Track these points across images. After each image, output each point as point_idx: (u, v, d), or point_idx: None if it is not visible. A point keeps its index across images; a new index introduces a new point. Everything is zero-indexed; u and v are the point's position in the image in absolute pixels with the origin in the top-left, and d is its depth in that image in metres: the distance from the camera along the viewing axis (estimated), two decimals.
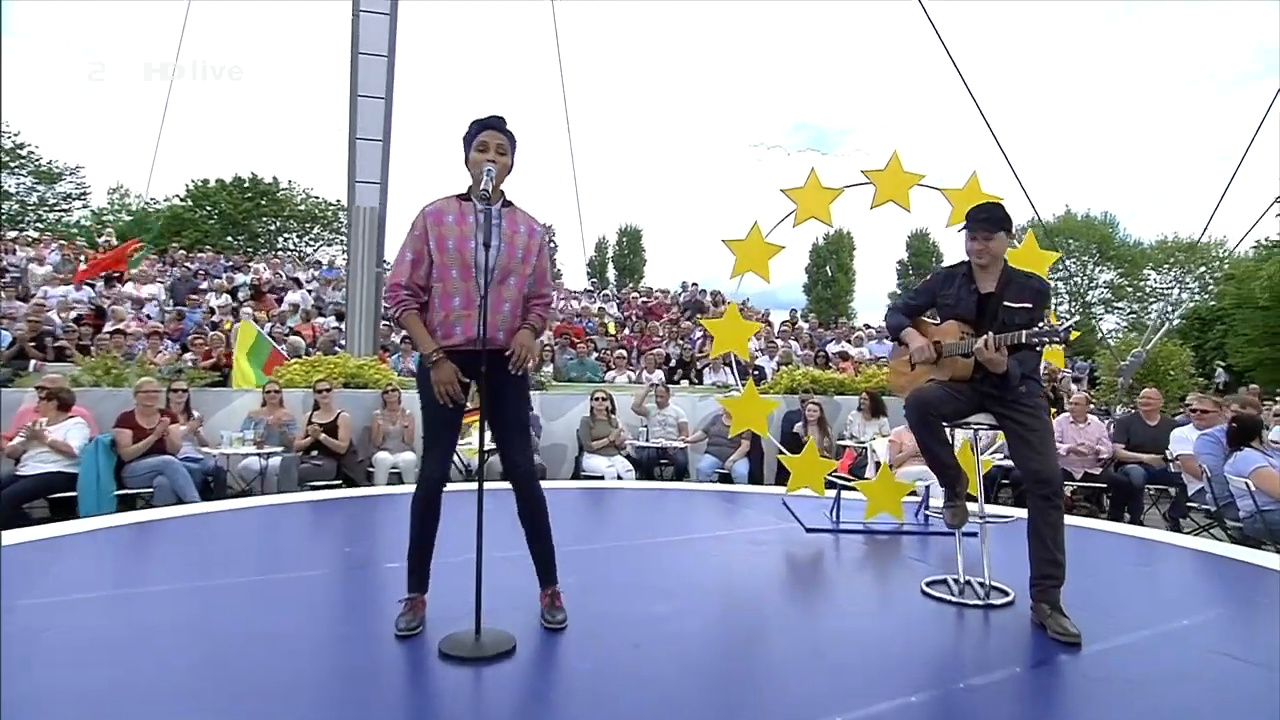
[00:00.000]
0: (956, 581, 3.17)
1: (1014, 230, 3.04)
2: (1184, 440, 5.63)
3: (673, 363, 10.80)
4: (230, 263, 15.29)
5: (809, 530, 4.33)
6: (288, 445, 6.03)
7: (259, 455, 5.71)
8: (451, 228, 2.45)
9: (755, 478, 7.24)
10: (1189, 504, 5.48)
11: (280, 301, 12.92)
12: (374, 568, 3.41)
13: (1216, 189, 8.87)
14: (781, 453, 4.78)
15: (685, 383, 9.89)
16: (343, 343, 9.04)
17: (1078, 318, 33.76)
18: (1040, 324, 2.82)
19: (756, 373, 10.19)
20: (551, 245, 25.69)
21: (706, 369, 10.16)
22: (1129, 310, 34.10)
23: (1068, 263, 34.26)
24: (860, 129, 58.87)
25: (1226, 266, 28.30)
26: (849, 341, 12.70)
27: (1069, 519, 2.81)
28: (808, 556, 3.87)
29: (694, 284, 16.52)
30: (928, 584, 3.23)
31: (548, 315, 2.74)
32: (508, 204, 2.58)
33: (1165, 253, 33.47)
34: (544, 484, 2.68)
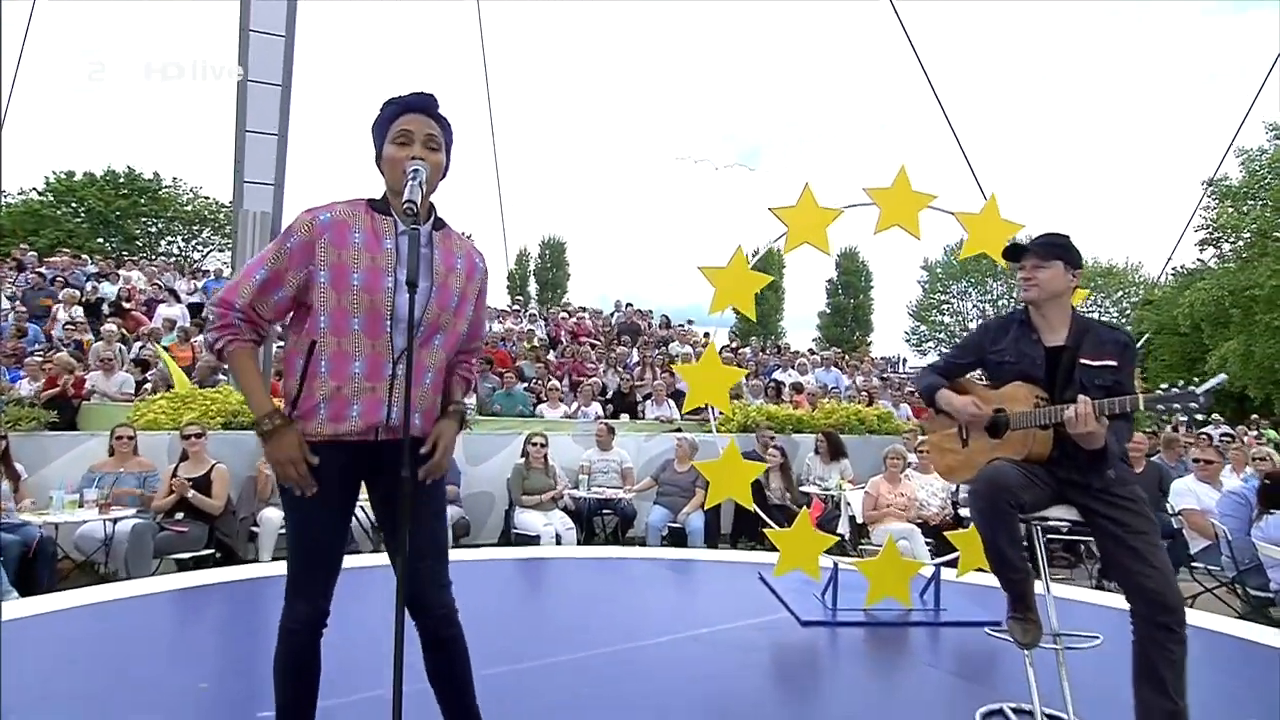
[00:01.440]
0: (1019, 713, 2.59)
1: (1080, 267, 2.51)
2: (1187, 493, 5.33)
3: (609, 393, 10.09)
4: (96, 269, 13.65)
5: (804, 623, 3.70)
6: (145, 506, 5.02)
7: (102, 520, 4.66)
8: (358, 253, 1.75)
9: (711, 532, 6.61)
10: (1192, 563, 5.18)
11: (152, 315, 11.54)
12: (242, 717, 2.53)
13: (1133, 213, 8.89)
14: (764, 523, 4.15)
15: (624, 416, 9.19)
16: (226, 371, 7.93)
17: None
18: (1133, 387, 2.29)
19: (705, 405, 9.60)
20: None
21: (649, 401, 9.50)
22: None
23: (994, 284, 35.60)
24: (783, 142, 60.07)
25: (1143, 292, 29.89)
26: (794, 368, 12.32)
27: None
28: (813, 667, 3.24)
29: (628, 304, 15.87)
30: (985, 717, 2.63)
31: (475, 380, 2.12)
32: (440, 224, 1.89)
33: (1084, 277, 35.19)
34: (466, 551, 1.98)
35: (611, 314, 15.68)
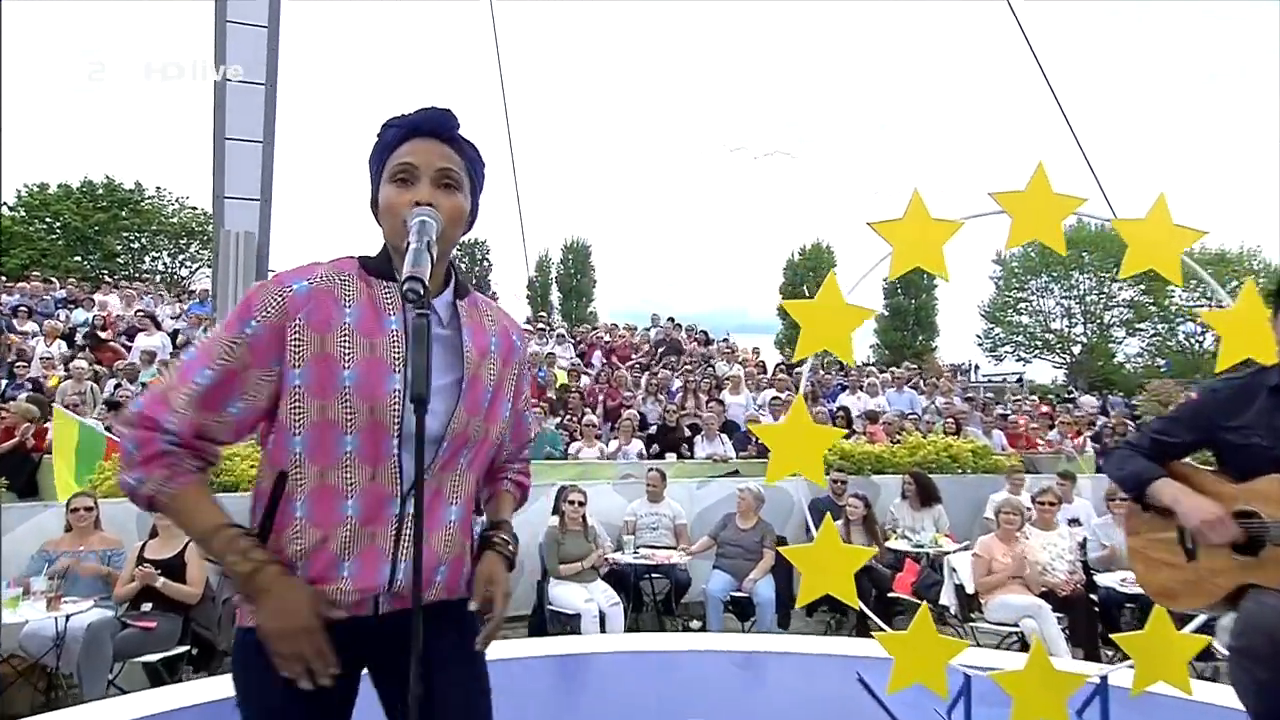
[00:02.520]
0: None
1: None
2: None
3: (651, 428, 9.63)
4: (64, 294, 13.53)
5: None
6: (110, 591, 4.67)
7: (53, 616, 4.30)
8: (350, 340, 1.35)
9: (783, 602, 6.09)
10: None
11: (130, 347, 11.33)
12: None
13: (1249, 194, 8.24)
14: (873, 624, 3.62)
15: (671, 456, 8.72)
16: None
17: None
18: None
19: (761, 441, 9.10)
20: (494, 294, 24.34)
21: (700, 437, 9.00)
22: (1152, 332, 34.32)
23: (1081, 278, 34.51)
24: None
25: (1264, 279, 28.67)
26: (863, 390, 11.74)
27: None
28: None
29: (669, 319, 15.41)
30: None
31: (528, 489, 1.75)
32: (462, 290, 1.50)
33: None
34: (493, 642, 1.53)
35: (648, 329, 15.23)
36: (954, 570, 5.49)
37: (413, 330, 1.20)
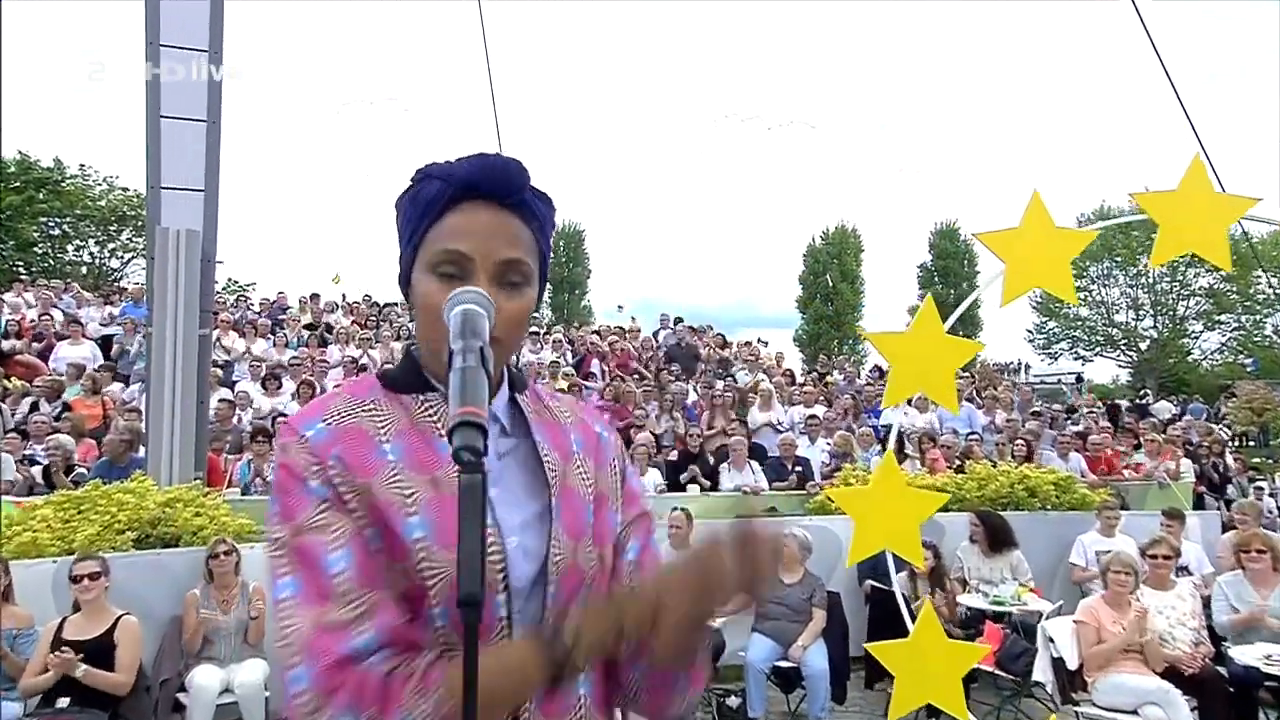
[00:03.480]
0: None
1: None
2: None
3: (672, 452, 9.34)
4: None
5: None
6: (13, 682, 4.41)
7: None
8: (404, 480, 1.17)
9: (838, 671, 5.81)
10: None
11: (49, 357, 11.00)
12: None
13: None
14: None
15: (693, 489, 8.45)
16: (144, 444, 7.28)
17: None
18: None
19: (799, 469, 8.83)
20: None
21: (725, 467, 8.70)
22: (1235, 325, 34.05)
23: (1115, 270, 34.26)
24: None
25: None
26: (911, 404, 11.43)
27: None
28: None
29: (677, 319, 15.14)
30: None
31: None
32: (519, 383, 1.35)
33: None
34: None
35: (656, 332, 14.93)
36: (1051, 640, 5.16)
37: (462, 492, 0.91)
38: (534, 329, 14.04)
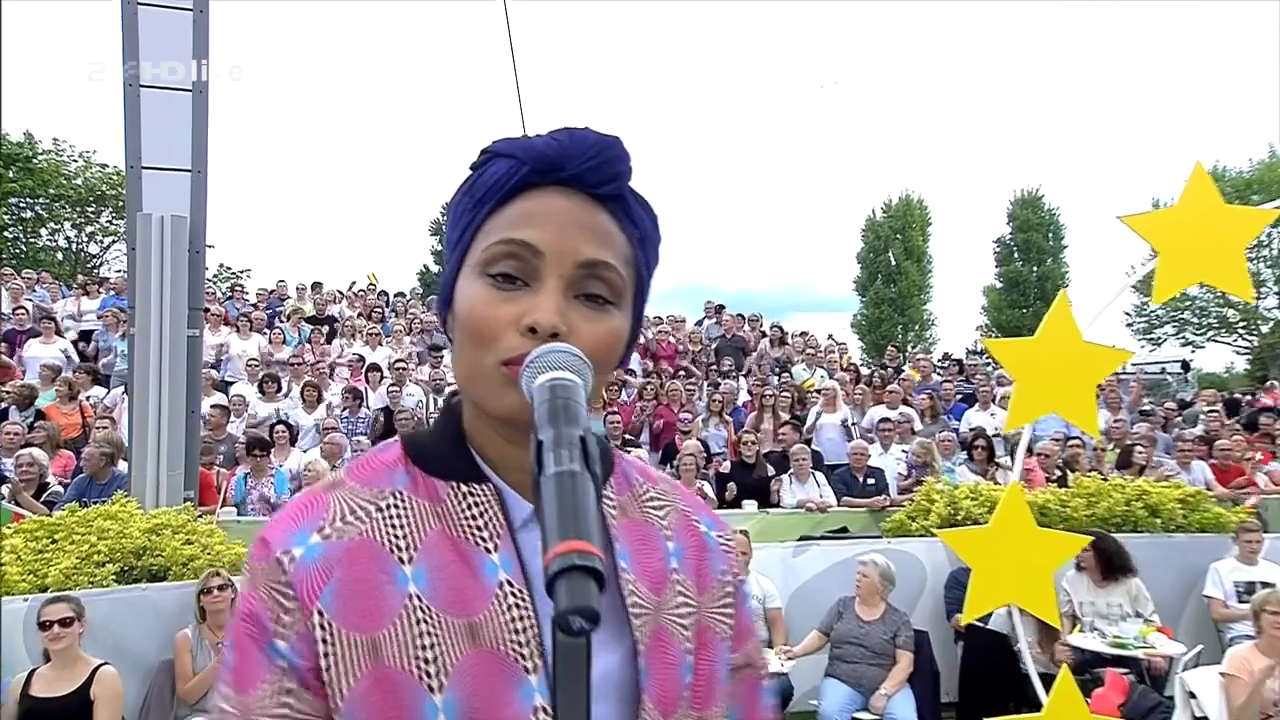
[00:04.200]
0: None
1: None
2: None
3: (724, 464, 9.21)
4: None
5: None
6: None
7: None
8: (426, 628, 0.95)
9: None
10: None
11: (17, 354, 11.08)
12: None
13: None
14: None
15: (750, 504, 8.33)
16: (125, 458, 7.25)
17: None
18: None
19: (871, 481, 8.63)
20: None
21: (790, 479, 8.54)
22: None
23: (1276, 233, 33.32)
24: None
25: None
26: (996, 404, 11.15)
27: None
28: None
29: (718, 305, 15.04)
30: None
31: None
32: (605, 460, 1.11)
33: None
34: None
35: (700, 321, 14.78)
36: (1192, 696, 4.92)
37: (560, 664, 0.71)
38: None
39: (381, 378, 11.20)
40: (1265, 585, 5.93)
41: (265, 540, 0.99)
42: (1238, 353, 35.34)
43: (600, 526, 0.70)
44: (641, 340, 13.40)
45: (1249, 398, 19.22)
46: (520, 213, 0.97)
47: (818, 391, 11.21)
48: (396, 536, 0.99)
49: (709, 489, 8.47)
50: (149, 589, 5.46)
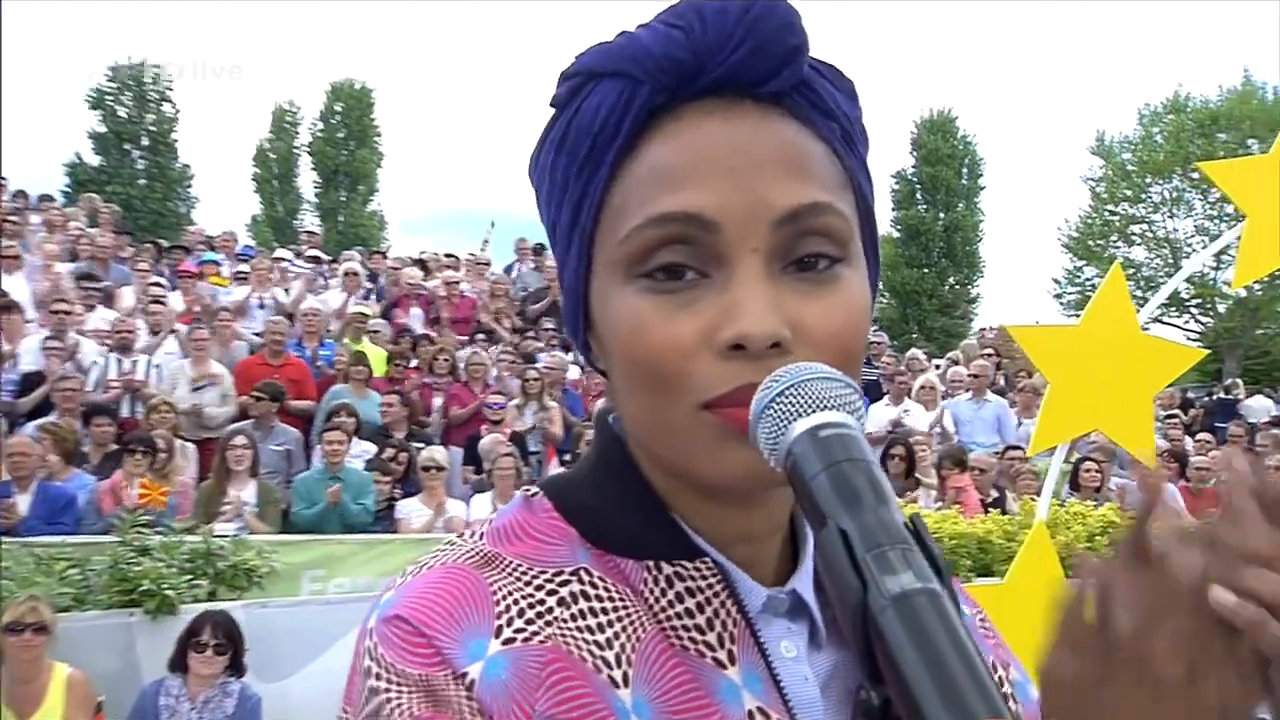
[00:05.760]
0: None
1: None
2: None
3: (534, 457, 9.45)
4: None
5: None
6: None
7: None
8: None
9: None
10: None
11: None
12: None
13: None
14: None
15: None
16: None
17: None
18: None
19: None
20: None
21: None
22: None
23: (1182, 191, 35.77)
24: None
25: None
26: (913, 397, 11.69)
27: None
28: None
29: (536, 246, 15.70)
30: None
31: None
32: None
33: None
34: None
35: (510, 267, 14.97)
36: None
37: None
38: (313, 252, 13.59)
39: (25, 322, 10.49)
40: None
41: (421, 632, 0.93)
42: (1189, 336, 37.57)
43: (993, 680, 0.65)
44: (423, 291, 13.17)
45: (1206, 397, 20.59)
46: (662, 165, 0.92)
47: None
48: (598, 645, 0.96)
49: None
50: (108, 618, 6.74)
